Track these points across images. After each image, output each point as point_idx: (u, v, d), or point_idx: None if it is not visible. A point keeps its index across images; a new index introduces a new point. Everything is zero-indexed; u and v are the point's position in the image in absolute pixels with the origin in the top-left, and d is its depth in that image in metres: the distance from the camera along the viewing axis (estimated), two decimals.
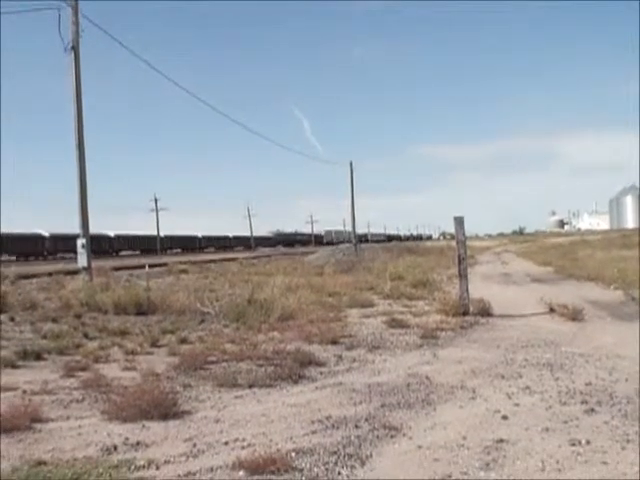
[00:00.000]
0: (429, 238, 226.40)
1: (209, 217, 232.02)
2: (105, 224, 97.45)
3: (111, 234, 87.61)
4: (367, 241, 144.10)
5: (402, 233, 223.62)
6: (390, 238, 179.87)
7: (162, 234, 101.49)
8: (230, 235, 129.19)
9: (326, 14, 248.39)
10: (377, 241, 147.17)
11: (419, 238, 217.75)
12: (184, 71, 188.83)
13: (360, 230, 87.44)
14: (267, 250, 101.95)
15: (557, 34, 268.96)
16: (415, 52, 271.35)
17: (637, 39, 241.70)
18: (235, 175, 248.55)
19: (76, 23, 22.95)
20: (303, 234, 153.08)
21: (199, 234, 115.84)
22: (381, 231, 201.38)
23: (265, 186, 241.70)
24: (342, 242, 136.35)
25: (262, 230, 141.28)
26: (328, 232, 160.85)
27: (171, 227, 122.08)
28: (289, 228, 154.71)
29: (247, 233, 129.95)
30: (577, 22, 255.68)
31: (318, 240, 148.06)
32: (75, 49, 22.96)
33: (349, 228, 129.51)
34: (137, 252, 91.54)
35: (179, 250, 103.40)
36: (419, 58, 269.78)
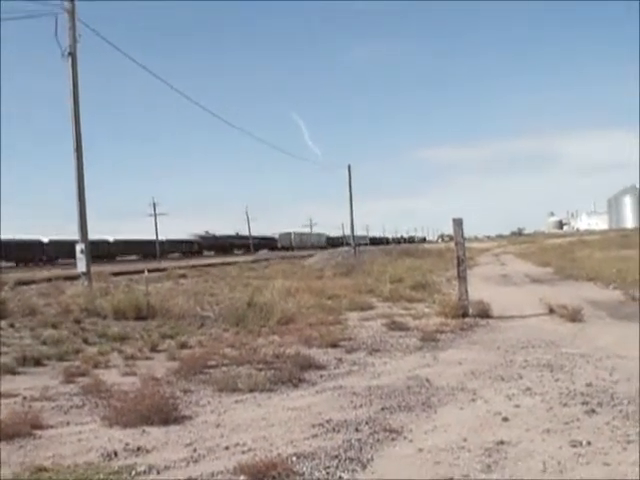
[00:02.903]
0: (423, 240, 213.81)
1: (208, 220, 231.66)
2: (104, 229, 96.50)
3: (110, 239, 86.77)
4: (343, 244, 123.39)
5: (391, 235, 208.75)
6: (375, 241, 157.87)
7: (160, 238, 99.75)
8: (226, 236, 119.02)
9: (321, 16, 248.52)
10: (358, 245, 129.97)
11: (411, 241, 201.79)
12: (181, 74, 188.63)
13: (348, 233, 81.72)
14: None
15: (557, 33, 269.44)
16: (413, 53, 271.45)
17: (637, 38, 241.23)
18: (234, 179, 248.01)
19: (73, 29, 22.91)
20: (246, 237, 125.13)
21: (198, 238, 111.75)
22: (371, 233, 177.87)
23: (264, 190, 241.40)
24: (305, 247, 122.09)
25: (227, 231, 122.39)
26: (285, 235, 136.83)
27: (171, 231, 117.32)
28: (230, 230, 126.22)
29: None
30: (578, 21, 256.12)
31: (270, 245, 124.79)
32: (72, 55, 22.93)
33: (345, 231, 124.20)
34: (135, 257, 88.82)
35: (177, 254, 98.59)
36: (417, 59, 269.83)
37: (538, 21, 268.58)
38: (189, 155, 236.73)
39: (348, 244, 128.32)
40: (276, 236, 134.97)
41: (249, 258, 66.46)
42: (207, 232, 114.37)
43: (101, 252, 74.99)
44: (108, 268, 38.53)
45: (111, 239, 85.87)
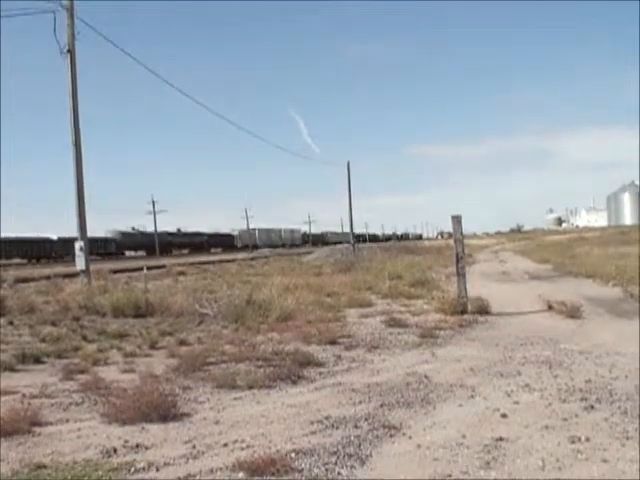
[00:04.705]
0: (419, 238, 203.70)
1: (207, 217, 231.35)
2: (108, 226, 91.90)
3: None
4: (326, 243, 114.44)
5: (381, 232, 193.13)
6: (363, 239, 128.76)
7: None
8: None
9: (320, 12, 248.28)
10: (339, 242, 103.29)
11: (404, 238, 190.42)
12: (179, 70, 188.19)
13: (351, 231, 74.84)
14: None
15: (555, 31, 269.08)
16: (411, 50, 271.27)
17: (636, 36, 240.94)
18: (232, 176, 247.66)
19: (71, 26, 22.88)
20: (199, 234, 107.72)
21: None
22: (364, 230, 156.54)
23: (262, 187, 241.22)
24: (274, 245, 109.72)
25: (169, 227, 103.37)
26: (246, 232, 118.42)
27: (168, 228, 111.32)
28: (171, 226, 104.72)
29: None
30: (575, 18, 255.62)
31: (225, 243, 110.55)
32: (71, 52, 22.90)
33: (344, 228, 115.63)
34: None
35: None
36: (415, 57, 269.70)
37: (536, 18, 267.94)
38: (186, 151, 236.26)
39: (327, 243, 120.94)
40: (235, 233, 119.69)
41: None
42: (133, 228, 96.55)
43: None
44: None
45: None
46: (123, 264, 46.83)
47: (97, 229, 79.98)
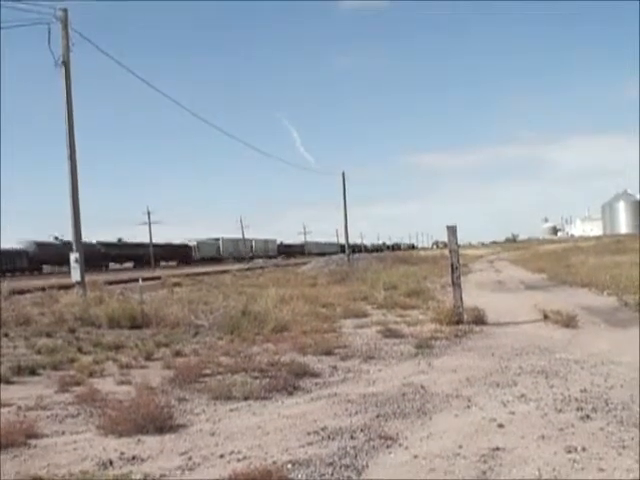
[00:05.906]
0: (412, 247, 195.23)
1: (201, 228, 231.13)
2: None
3: None
4: (304, 253, 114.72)
5: (370, 242, 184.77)
6: (355, 249, 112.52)
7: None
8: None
9: (310, 23, 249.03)
10: (323, 253, 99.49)
11: (395, 248, 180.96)
12: (174, 81, 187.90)
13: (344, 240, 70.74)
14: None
15: (548, 41, 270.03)
16: (405, 60, 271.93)
17: (632, 44, 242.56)
18: (225, 186, 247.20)
19: (66, 38, 22.91)
20: (144, 245, 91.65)
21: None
22: (358, 241, 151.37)
23: (256, 197, 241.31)
24: (244, 257, 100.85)
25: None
26: (207, 243, 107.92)
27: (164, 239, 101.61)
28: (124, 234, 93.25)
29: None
30: (568, 28, 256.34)
31: (180, 255, 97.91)
32: (65, 64, 22.92)
33: (336, 238, 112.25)
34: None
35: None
36: (409, 66, 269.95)
37: (529, 28, 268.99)
38: (179, 161, 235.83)
39: (309, 253, 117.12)
40: (192, 243, 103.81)
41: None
42: (56, 237, 74.01)
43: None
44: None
45: None
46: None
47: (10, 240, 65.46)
